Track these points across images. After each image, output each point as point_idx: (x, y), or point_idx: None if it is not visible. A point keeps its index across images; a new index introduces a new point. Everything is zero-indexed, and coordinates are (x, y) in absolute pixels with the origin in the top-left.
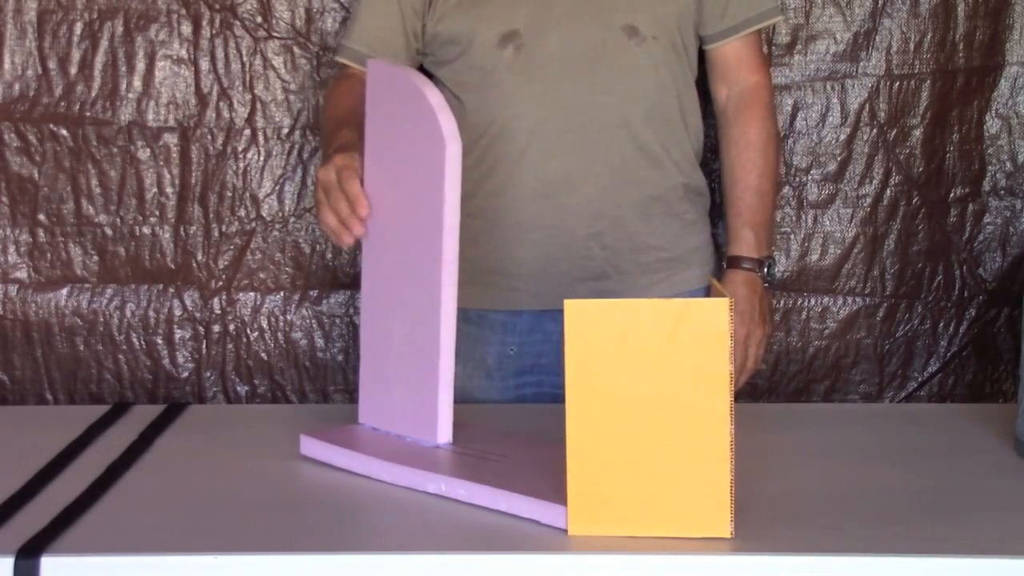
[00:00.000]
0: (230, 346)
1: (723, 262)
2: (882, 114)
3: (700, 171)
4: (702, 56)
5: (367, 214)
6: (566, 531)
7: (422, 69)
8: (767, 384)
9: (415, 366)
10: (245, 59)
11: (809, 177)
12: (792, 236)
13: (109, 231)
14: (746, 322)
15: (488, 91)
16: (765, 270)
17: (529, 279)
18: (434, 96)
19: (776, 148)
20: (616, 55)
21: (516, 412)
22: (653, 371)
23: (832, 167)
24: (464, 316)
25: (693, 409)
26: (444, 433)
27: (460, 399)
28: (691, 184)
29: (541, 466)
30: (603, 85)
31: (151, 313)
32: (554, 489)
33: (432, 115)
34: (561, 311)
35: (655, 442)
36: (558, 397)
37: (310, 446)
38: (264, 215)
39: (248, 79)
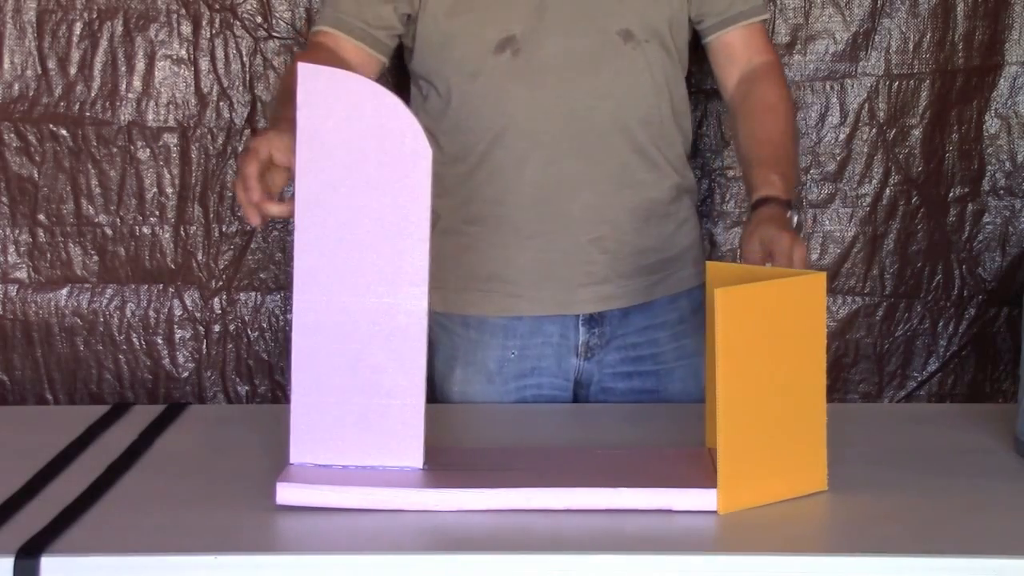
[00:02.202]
0: (230, 346)
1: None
2: (881, 114)
3: (690, 169)
4: (700, 54)
5: (256, 199)
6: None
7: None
8: None
9: (384, 390)
10: (245, 59)
11: (809, 177)
12: None
13: (109, 231)
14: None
15: (484, 96)
16: (789, 214)
17: (529, 286)
18: (402, 102)
19: (795, 117)
20: (613, 59)
21: (519, 413)
22: (779, 347)
23: (831, 167)
24: (463, 322)
25: (801, 377)
26: (420, 456)
27: (460, 404)
28: (683, 184)
29: (588, 465)
30: (601, 89)
31: (151, 313)
32: (653, 479)
33: (408, 122)
34: (561, 316)
35: (780, 414)
36: (556, 398)
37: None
38: None
39: (248, 79)
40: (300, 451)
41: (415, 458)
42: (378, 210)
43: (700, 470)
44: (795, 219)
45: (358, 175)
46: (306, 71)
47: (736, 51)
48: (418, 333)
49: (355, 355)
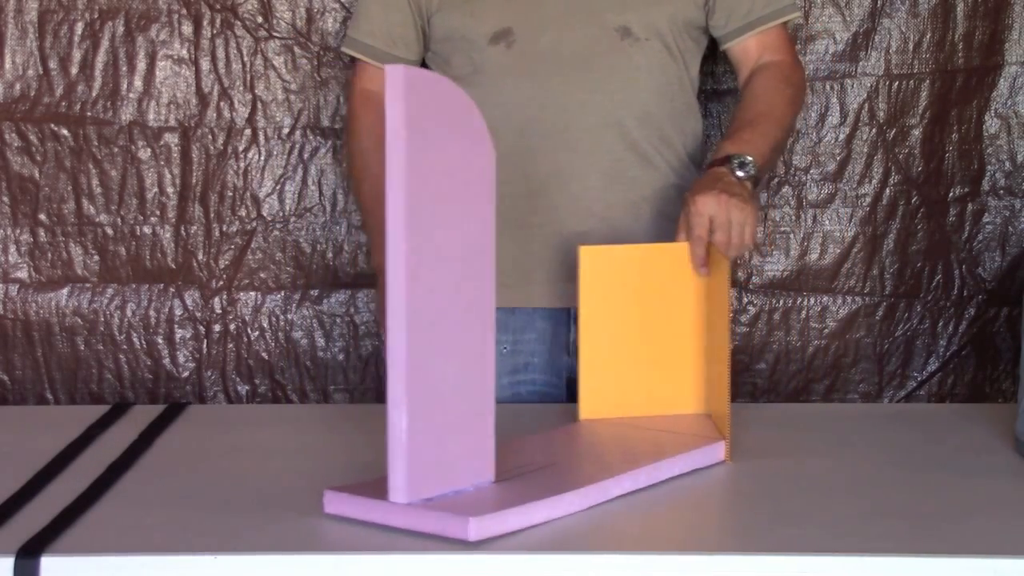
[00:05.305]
0: (231, 346)
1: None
2: (881, 114)
3: (696, 173)
4: (717, 58)
5: None
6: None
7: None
8: (767, 384)
9: (468, 409)
10: (246, 59)
11: (808, 177)
12: (791, 236)
13: (110, 231)
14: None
15: (479, 88)
16: (736, 166)
17: (518, 277)
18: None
19: (790, 110)
20: (608, 55)
21: (515, 412)
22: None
23: (831, 167)
24: None
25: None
26: (491, 469)
27: None
28: (685, 185)
29: (599, 446)
30: (594, 84)
31: (152, 313)
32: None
33: (481, 125)
34: (553, 311)
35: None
36: (552, 396)
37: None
38: (265, 215)
39: (249, 79)
40: (416, 487)
41: (490, 473)
42: (464, 220)
43: (698, 429)
44: (746, 170)
45: (453, 184)
46: (393, 72)
47: (750, 55)
48: (490, 342)
49: (454, 379)
